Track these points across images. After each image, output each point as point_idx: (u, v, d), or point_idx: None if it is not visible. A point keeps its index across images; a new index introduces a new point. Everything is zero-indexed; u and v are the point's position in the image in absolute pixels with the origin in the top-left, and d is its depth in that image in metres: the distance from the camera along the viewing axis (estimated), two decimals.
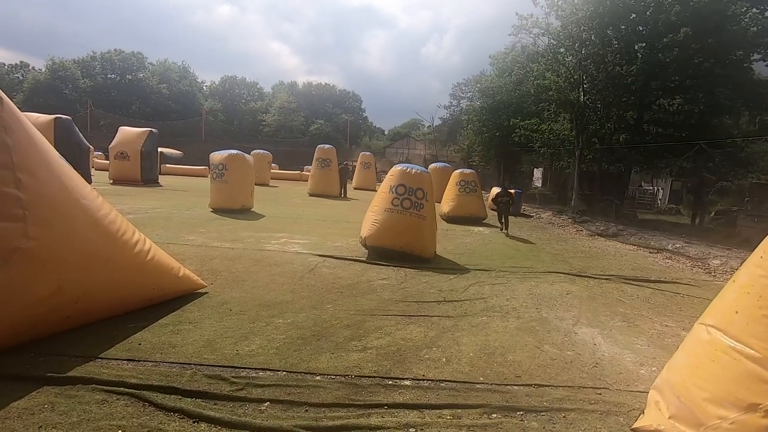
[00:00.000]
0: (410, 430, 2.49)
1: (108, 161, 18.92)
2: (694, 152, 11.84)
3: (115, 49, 53.16)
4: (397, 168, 7.20)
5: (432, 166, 16.21)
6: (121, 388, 2.68)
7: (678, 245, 9.60)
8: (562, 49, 15.16)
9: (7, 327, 2.97)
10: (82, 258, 3.37)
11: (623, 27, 13.49)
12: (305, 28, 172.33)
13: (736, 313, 2.57)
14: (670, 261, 8.77)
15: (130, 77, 52.66)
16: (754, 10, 12.12)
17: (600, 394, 3.08)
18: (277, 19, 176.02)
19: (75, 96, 46.54)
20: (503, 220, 11.11)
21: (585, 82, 14.41)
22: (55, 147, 12.63)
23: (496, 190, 17.51)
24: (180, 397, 2.64)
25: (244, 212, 10.89)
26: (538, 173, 34.87)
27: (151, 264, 4.02)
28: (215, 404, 2.61)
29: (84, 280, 3.36)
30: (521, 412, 2.75)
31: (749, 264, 2.66)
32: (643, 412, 2.78)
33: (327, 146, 18.73)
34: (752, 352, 2.37)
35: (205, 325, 3.78)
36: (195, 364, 3.07)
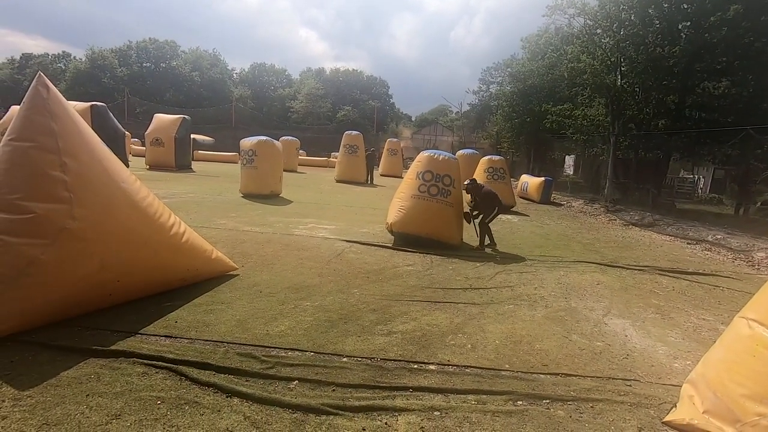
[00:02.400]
0: (435, 413, 2.52)
1: (144, 147, 19.61)
2: (741, 138, 11.10)
3: (149, 38, 54.63)
4: (424, 154, 7.14)
5: (459, 152, 15.93)
6: (160, 363, 2.82)
7: (719, 236, 9.14)
8: (598, 30, 14.46)
9: (57, 301, 3.17)
10: (123, 238, 3.54)
11: (666, 5, 12.69)
12: (333, 13, 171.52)
13: None
14: (709, 253, 8.38)
15: (164, 65, 54.12)
16: None
17: (630, 385, 3.02)
18: (305, 4, 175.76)
19: (113, 84, 48.24)
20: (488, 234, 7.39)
21: (623, 64, 13.73)
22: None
23: (525, 177, 17.15)
24: (214, 372, 2.77)
25: (273, 198, 11.11)
26: (569, 161, 33.80)
27: (186, 246, 4.18)
28: (246, 381, 2.71)
29: (124, 260, 3.53)
30: (547, 401, 2.73)
31: None
32: (676, 406, 2.71)
33: (354, 133, 18.73)
34: None
35: (236, 305, 3.92)
36: (227, 343, 3.19)
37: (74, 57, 56.68)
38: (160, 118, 18.57)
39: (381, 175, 23.23)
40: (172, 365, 2.79)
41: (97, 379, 2.60)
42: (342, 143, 18.33)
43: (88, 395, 2.44)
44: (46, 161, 3.22)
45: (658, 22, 12.89)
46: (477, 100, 37.98)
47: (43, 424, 2.18)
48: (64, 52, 58.98)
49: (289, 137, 24.22)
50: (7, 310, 2.93)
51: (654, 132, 13.81)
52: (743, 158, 13.49)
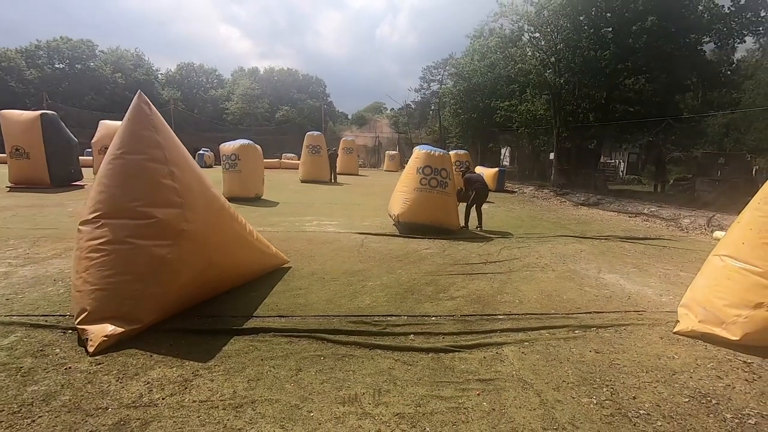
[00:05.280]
0: (525, 343, 3.38)
1: (88, 157, 18.37)
2: (662, 127, 13.33)
3: (61, 37, 49.80)
4: (422, 151, 7.97)
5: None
6: (295, 334, 3.39)
7: (652, 209, 11.03)
8: (537, 34, 16.28)
9: (180, 294, 3.58)
10: (221, 238, 3.98)
11: (593, 15, 14.72)
12: (256, 9, 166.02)
13: (743, 244, 3.60)
14: (648, 223, 10.15)
15: (80, 66, 49.61)
16: None
17: (641, 314, 4.10)
18: (224, 1, 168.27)
19: (22, 88, 43.43)
20: (478, 213, 8.56)
21: (561, 64, 15.63)
22: (44, 143, 12.48)
23: (480, 168, 18.66)
24: (345, 336, 3.39)
25: (257, 200, 11.34)
26: (504, 152, 36.54)
27: (257, 243, 4.67)
28: (375, 338, 3.38)
29: (224, 256, 3.99)
30: (594, 328, 3.71)
31: (750, 208, 3.69)
32: (678, 321, 3.81)
33: (316, 133, 19.11)
34: (757, 269, 3.41)
35: (313, 289, 4.49)
36: (333, 316, 3.80)
37: None
38: (108, 125, 17.39)
39: (338, 173, 23.76)
40: (309, 334, 3.38)
41: (257, 349, 3.13)
42: (304, 144, 18.63)
43: (262, 359, 2.98)
44: (158, 171, 3.60)
45: (587, 28, 14.85)
46: (419, 98, 39.65)
47: (249, 380, 2.71)
48: None
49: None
50: (149, 304, 3.32)
51: (588, 124, 15.89)
52: (659, 144, 16.00)
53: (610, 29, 15.07)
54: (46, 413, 2.28)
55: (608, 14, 14.62)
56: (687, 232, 9.05)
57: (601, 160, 31.04)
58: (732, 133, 25.91)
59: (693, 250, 7.20)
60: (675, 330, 3.70)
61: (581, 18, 14.64)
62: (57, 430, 2.16)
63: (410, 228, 7.66)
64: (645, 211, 11.08)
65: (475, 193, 8.35)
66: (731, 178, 14.20)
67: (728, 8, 14.16)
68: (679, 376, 2.95)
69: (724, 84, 17.52)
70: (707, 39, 14.88)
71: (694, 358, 3.24)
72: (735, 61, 22.92)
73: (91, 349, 2.93)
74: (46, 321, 3.41)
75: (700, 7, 13.26)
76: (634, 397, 2.65)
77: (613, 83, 15.52)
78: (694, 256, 6.59)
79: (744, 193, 3.86)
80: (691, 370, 3.03)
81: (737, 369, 3.08)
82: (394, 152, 31.97)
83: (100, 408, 2.35)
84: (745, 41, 14.62)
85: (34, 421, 2.22)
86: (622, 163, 28.85)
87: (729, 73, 18.52)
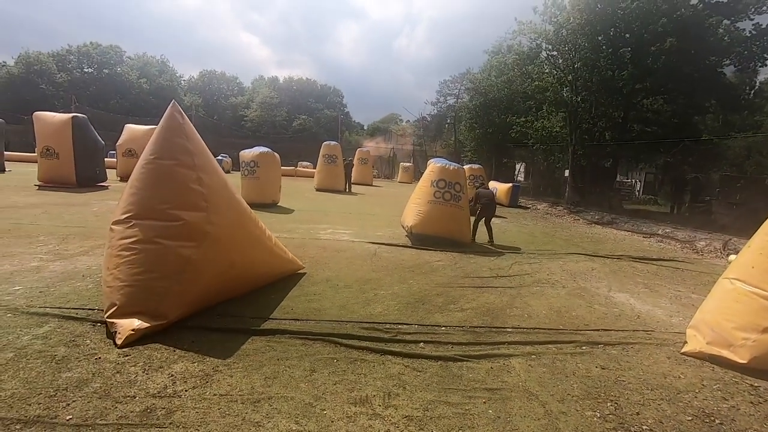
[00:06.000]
0: (532, 356, 3.46)
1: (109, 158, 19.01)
2: (679, 148, 13.27)
3: (91, 42, 51.70)
4: (436, 165, 8.12)
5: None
6: (310, 336, 3.53)
7: (667, 230, 10.95)
8: (555, 52, 16.42)
9: (204, 293, 3.77)
10: (243, 241, 4.17)
11: (612, 34, 14.82)
12: (275, 18, 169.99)
13: (752, 267, 3.64)
14: (662, 244, 10.08)
15: (107, 71, 51.35)
16: (726, 21, 13.64)
17: (650, 333, 4.14)
18: (244, 8, 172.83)
19: (52, 91, 45.10)
20: (487, 228, 8.58)
21: (578, 83, 15.71)
22: (73, 144, 13.00)
23: (494, 183, 18.72)
24: (357, 340, 3.52)
25: (273, 206, 11.60)
26: (519, 167, 36.48)
27: (275, 248, 4.85)
28: (386, 344, 3.49)
29: (245, 258, 4.17)
30: (601, 345, 3.77)
31: (761, 233, 3.74)
32: (686, 342, 3.84)
33: (333, 143, 19.44)
34: (766, 293, 3.45)
35: (327, 295, 4.63)
36: (346, 321, 3.94)
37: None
38: (133, 129, 18.18)
39: (353, 183, 24.06)
40: (323, 337, 3.51)
41: (274, 349, 3.28)
42: (321, 153, 18.95)
43: (278, 359, 3.13)
44: (187, 177, 3.82)
45: (606, 48, 14.94)
46: (436, 111, 39.99)
47: (266, 378, 2.86)
48: None
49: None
50: (173, 301, 3.50)
51: (604, 143, 15.88)
52: (678, 165, 15.88)
53: (629, 49, 15.12)
54: (79, 398, 2.46)
55: (627, 35, 14.70)
56: (702, 254, 8.98)
57: (617, 179, 30.87)
58: (754, 156, 25.50)
59: (707, 272, 7.15)
60: (683, 351, 3.73)
61: (599, 38, 14.75)
62: (89, 414, 2.33)
63: (423, 239, 7.78)
64: (660, 231, 11.00)
65: (481, 208, 8.46)
66: (750, 201, 14.00)
67: (749, 32, 14.14)
68: (684, 395, 3.00)
69: (745, 107, 17.37)
70: (727, 62, 14.84)
71: (700, 378, 3.28)
72: (758, 83, 22.71)
73: (119, 342, 3.11)
74: (77, 314, 3.62)
75: (721, 30, 13.27)
76: (638, 413, 2.72)
77: (630, 103, 15.52)
78: (708, 279, 6.55)
79: (763, 218, 3.90)
80: (697, 390, 3.08)
81: (743, 391, 3.11)
82: (408, 164, 32.19)
83: (128, 396, 2.51)
84: (767, 65, 14.51)
85: (68, 404, 2.40)
86: (639, 183, 28.56)
87: (751, 95, 18.35)
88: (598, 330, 4.15)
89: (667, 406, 2.84)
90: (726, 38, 13.29)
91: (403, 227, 8.25)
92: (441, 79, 54.36)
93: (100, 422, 2.26)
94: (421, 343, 3.56)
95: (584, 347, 3.71)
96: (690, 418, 2.70)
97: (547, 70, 16.66)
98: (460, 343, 3.62)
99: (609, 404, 2.80)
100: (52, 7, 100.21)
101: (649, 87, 14.78)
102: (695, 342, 3.76)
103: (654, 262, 7.76)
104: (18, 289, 4.08)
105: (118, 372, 2.77)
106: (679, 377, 3.27)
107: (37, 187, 12.33)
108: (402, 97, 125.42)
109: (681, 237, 10.28)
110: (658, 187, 27.49)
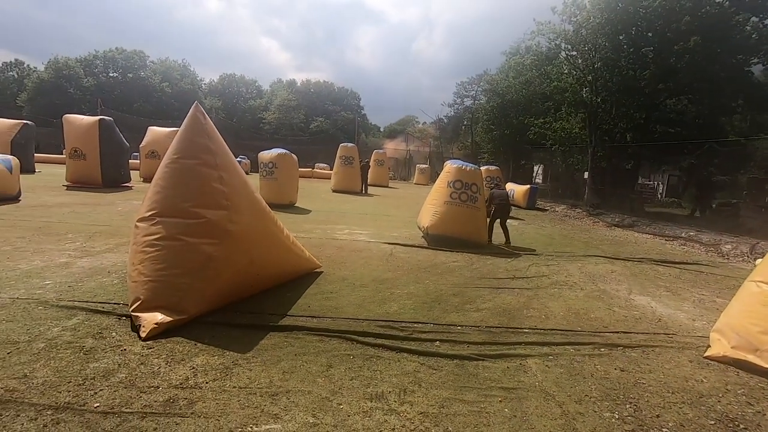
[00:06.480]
0: (549, 357, 3.43)
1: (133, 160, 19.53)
2: (704, 150, 12.90)
3: (116, 48, 53.35)
4: (453, 166, 8.11)
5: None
6: (326, 333, 3.58)
7: (691, 233, 10.66)
8: (574, 52, 16.19)
9: (224, 290, 3.86)
10: (262, 239, 4.26)
11: (634, 34, 14.53)
12: (295, 23, 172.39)
13: None
14: (685, 247, 9.82)
15: (131, 75, 52.92)
16: (753, 18, 13.23)
17: (671, 337, 4.05)
18: (264, 14, 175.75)
19: (79, 95, 46.68)
20: (503, 229, 8.51)
21: (599, 85, 15.45)
22: (100, 145, 13.43)
23: (511, 185, 18.54)
24: (373, 338, 3.55)
25: (291, 207, 11.75)
26: (537, 169, 36.00)
27: (293, 246, 4.93)
28: (401, 343, 3.51)
29: (264, 256, 4.25)
30: (621, 347, 3.71)
31: None
32: (710, 346, 3.75)
33: (350, 145, 19.58)
34: None
35: (343, 294, 4.68)
36: (362, 319, 3.97)
37: (28, 66, 54.57)
38: (155, 131, 18.68)
39: (369, 184, 24.17)
40: (339, 334, 3.56)
41: (291, 345, 3.33)
42: (338, 155, 19.11)
43: (296, 354, 3.18)
44: (210, 176, 3.92)
45: (627, 47, 14.66)
46: (453, 113, 39.84)
47: (283, 372, 2.91)
48: (16, 60, 56.51)
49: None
50: (195, 297, 3.60)
51: (625, 144, 15.55)
52: (702, 167, 15.44)
53: (651, 49, 14.80)
54: (106, 387, 2.55)
55: (649, 34, 14.39)
56: (728, 258, 8.71)
57: (639, 182, 30.16)
58: None
59: (732, 276, 6.95)
60: (706, 354, 3.64)
61: (621, 37, 14.48)
62: (116, 402, 2.42)
63: (438, 240, 7.77)
64: (683, 235, 10.72)
65: (495, 208, 8.41)
66: None
67: None
68: (706, 399, 2.94)
69: None
70: (756, 60, 14.37)
71: (724, 383, 3.19)
72: None
73: (143, 335, 3.22)
74: (103, 307, 3.75)
75: (748, 28, 12.87)
76: (658, 416, 2.67)
77: (653, 103, 15.17)
78: (733, 283, 6.35)
79: None
80: (720, 395, 3.00)
81: None
82: (424, 166, 32.17)
83: (152, 386, 2.60)
84: None
85: (96, 393, 2.49)
86: (661, 185, 27.84)
87: None
88: (617, 332, 4.08)
89: (689, 409, 2.78)
90: (754, 36, 12.88)
91: (419, 228, 8.26)
92: (457, 81, 53.95)
93: (125, 410, 2.35)
94: (437, 342, 3.57)
95: (603, 349, 3.65)
96: (713, 422, 2.64)
97: (566, 71, 16.43)
98: (475, 342, 3.61)
99: (628, 406, 2.76)
100: (79, 16, 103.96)
101: (673, 87, 14.42)
102: (719, 346, 3.66)
103: (677, 266, 7.57)
104: (48, 284, 4.25)
105: (142, 363, 2.86)
106: (702, 381, 3.20)
107: (65, 188, 12.79)
108: (419, 99, 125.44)
109: (705, 240, 10.00)
110: (682, 189, 26.77)
